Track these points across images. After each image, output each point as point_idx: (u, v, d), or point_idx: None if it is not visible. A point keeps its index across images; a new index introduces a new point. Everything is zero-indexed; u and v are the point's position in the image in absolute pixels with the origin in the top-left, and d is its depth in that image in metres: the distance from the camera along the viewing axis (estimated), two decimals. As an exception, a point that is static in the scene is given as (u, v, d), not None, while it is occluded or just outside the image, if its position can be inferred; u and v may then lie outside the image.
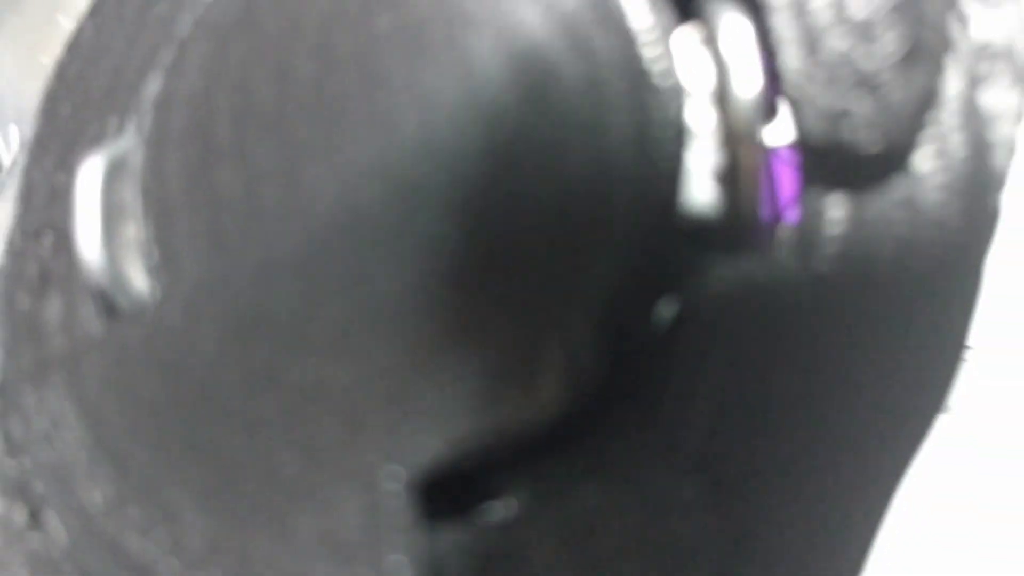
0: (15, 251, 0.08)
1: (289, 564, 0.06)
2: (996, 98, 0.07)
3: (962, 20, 0.07)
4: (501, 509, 0.06)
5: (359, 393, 0.06)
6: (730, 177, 0.06)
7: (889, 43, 0.06)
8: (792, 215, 0.06)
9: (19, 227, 0.08)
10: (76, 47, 0.08)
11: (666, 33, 0.06)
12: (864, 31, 0.06)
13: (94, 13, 0.08)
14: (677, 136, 0.06)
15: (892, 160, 0.06)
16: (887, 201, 0.06)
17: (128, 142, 0.07)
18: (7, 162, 0.22)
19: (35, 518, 0.08)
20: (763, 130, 0.06)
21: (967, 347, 0.07)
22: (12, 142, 0.20)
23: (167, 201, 0.07)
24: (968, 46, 0.07)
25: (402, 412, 0.06)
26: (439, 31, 0.06)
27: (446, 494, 0.06)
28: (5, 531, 0.08)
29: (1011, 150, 0.07)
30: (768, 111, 0.07)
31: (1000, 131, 0.07)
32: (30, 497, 0.08)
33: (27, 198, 0.08)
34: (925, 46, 0.06)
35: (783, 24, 0.06)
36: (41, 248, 0.08)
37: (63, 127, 0.08)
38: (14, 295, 0.08)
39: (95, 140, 0.08)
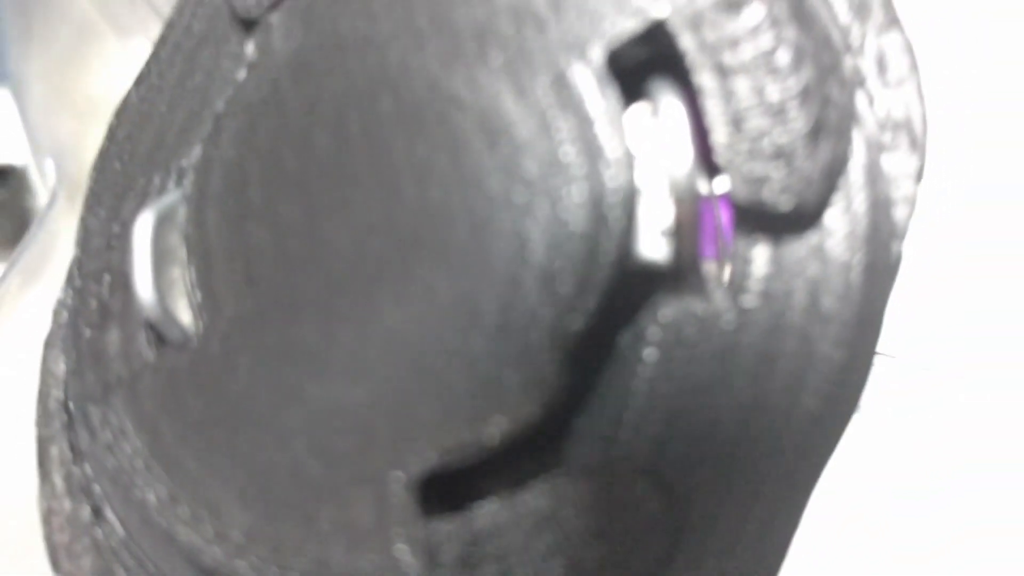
0: (77, 289, 0.09)
1: (312, 550, 0.07)
2: (897, 162, 0.08)
3: (869, 98, 0.08)
4: (485, 503, 0.07)
5: (370, 410, 0.08)
6: (673, 231, 0.08)
7: (799, 121, 0.07)
8: (724, 260, 0.08)
9: (78, 268, 0.09)
10: (124, 111, 0.10)
11: (617, 114, 0.07)
12: (779, 111, 0.07)
13: (139, 82, 0.10)
14: (626, 199, 0.07)
15: (806, 217, 0.08)
16: (802, 250, 0.08)
17: (174, 199, 0.09)
18: (44, 196, 0.24)
19: (97, 514, 0.09)
20: (700, 192, 0.08)
21: (874, 359, 0.08)
22: (50, 176, 0.21)
23: (207, 249, 0.08)
24: (873, 119, 0.08)
25: (404, 426, 0.07)
26: (432, 111, 0.08)
27: (442, 492, 0.07)
28: (72, 526, 0.09)
29: (911, 205, 0.08)
30: (707, 174, 0.08)
31: (900, 190, 0.08)
32: (93, 497, 0.09)
33: (85, 244, 0.09)
34: (831, 122, 0.08)
35: (713, 106, 0.07)
36: (100, 287, 0.09)
37: (113, 182, 0.10)
38: (78, 326, 0.09)
39: (141, 194, 0.09)
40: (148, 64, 0.10)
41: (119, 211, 0.09)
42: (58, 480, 0.09)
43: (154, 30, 0.24)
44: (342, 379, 0.08)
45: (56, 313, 0.10)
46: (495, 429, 0.07)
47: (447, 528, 0.07)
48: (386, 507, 0.07)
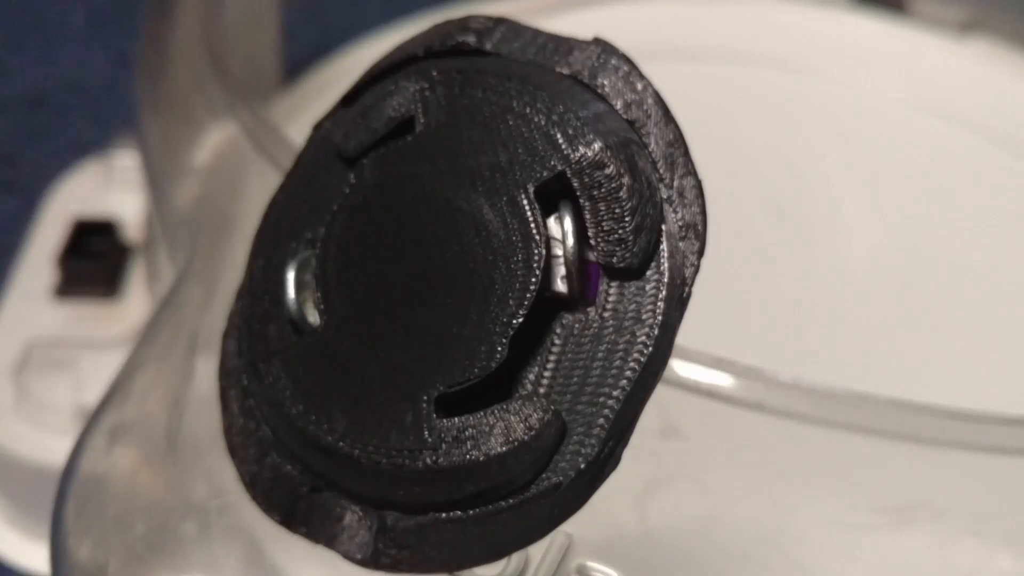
0: (247, 303, 0.16)
1: (380, 435, 0.15)
2: (687, 245, 0.15)
3: (674, 211, 0.15)
4: (466, 413, 0.14)
5: (411, 364, 0.15)
6: (567, 278, 0.15)
7: (629, 225, 0.15)
8: (594, 293, 0.15)
9: (248, 291, 0.17)
10: (273, 205, 0.17)
11: (540, 219, 0.15)
12: (619, 219, 0.14)
13: (282, 189, 0.17)
14: (545, 261, 0.15)
15: (635, 272, 0.15)
16: (633, 288, 0.15)
17: (306, 255, 0.16)
18: (166, 266, 0.29)
19: (257, 426, 0.16)
20: (582, 258, 0.15)
21: (670, 353, 0.15)
22: (183, 253, 0.26)
23: (327, 283, 0.16)
24: (675, 222, 0.15)
25: (428, 373, 0.15)
26: (447, 215, 0.15)
27: (446, 406, 0.15)
28: (243, 433, 0.16)
29: (695, 268, 0.15)
30: (587, 249, 0.15)
31: (689, 259, 0.15)
32: (256, 416, 0.16)
33: (251, 278, 0.17)
34: (647, 225, 0.15)
35: (588, 216, 0.15)
36: (264, 302, 0.16)
37: (267, 244, 0.17)
38: (251, 324, 0.16)
39: (283, 252, 0.16)
40: (286, 178, 0.17)
41: (271, 260, 0.17)
42: (235, 408, 0.16)
43: (242, 114, 0.31)
44: (397, 349, 0.15)
45: (230, 318, 0.17)
46: (471, 376, 0.15)
47: (448, 423, 0.14)
48: (418, 413, 0.14)
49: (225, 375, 0.17)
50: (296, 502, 0.15)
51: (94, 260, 0.35)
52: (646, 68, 0.16)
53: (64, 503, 0.21)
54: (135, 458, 0.23)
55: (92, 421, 0.22)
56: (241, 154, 0.26)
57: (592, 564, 0.17)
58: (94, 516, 0.22)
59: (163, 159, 0.28)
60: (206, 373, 0.24)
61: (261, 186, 0.25)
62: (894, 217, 0.45)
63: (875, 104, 0.50)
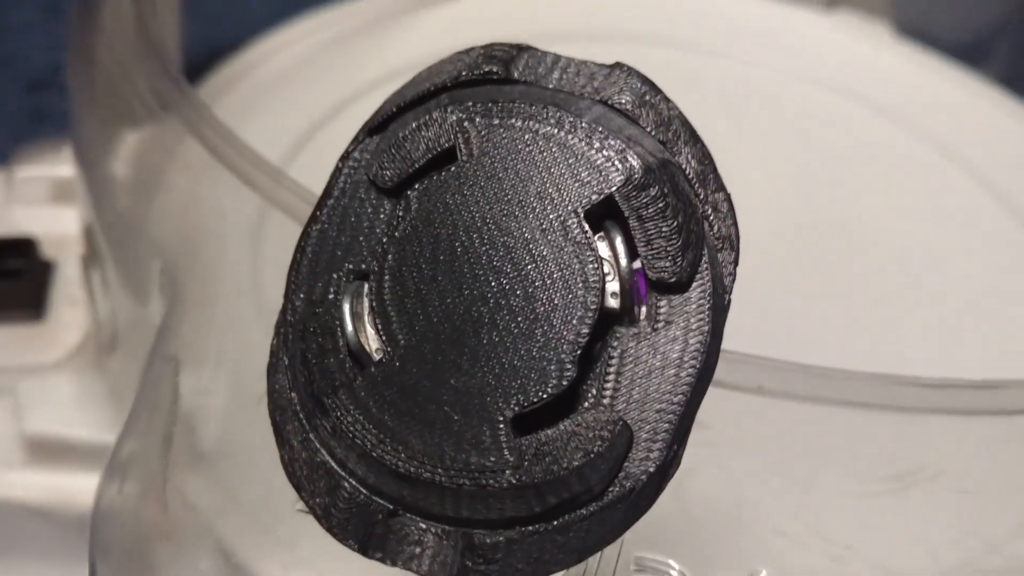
0: (298, 337, 0.17)
1: (460, 458, 0.15)
2: (724, 256, 0.16)
3: (710, 225, 0.17)
4: (541, 430, 0.15)
5: (483, 388, 0.15)
6: (620, 294, 0.16)
7: (676, 242, 0.16)
8: (644, 305, 0.16)
9: (292, 327, 0.17)
10: (307, 237, 0.17)
11: (592, 239, 0.16)
12: (668, 238, 0.16)
13: (313, 221, 0.17)
14: (599, 279, 0.16)
15: (682, 285, 0.16)
16: (680, 300, 0.16)
17: (356, 286, 0.16)
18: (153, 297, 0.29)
19: (324, 458, 0.16)
20: (633, 273, 0.16)
21: (718, 356, 0.16)
22: (163, 286, 0.25)
23: (386, 313, 0.16)
24: (712, 236, 0.16)
25: (502, 395, 0.15)
26: (500, 242, 0.16)
27: (522, 425, 0.15)
28: (308, 465, 0.16)
29: (732, 276, 0.17)
30: (636, 265, 0.16)
31: (727, 270, 0.16)
32: (320, 449, 0.16)
33: (293, 312, 0.17)
34: (691, 241, 0.16)
35: (636, 235, 0.16)
36: (316, 335, 0.17)
37: (306, 278, 0.17)
38: (306, 357, 0.16)
39: (326, 284, 0.17)
40: (317, 208, 0.17)
41: (313, 293, 0.17)
42: (294, 442, 0.17)
43: (186, 110, 0.30)
44: (466, 374, 0.15)
45: (273, 352, 0.17)
46: (544, 395, 0.15)
47: (526, 441, 0.15)
48: (495, 434, 0.15)
49: (280, 410, 0.17)
50: (372, 528, 0.16)
51: (14, 280, 0.34)
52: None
53: (93, 538, 0.21)
54: (138, 490, 0.23)
55: (110, 459, 0.22)
56: (196, 163, 0.26)
57: (647, 555, 0.19)
58: (110, 548, 0.21)
59: (105, 167, 0.27)
60: (188, 393, 0.24)
61: (226, 195, 0.25)
62: (783, 179, 0.48)
63: (755, 74, 0.53)
